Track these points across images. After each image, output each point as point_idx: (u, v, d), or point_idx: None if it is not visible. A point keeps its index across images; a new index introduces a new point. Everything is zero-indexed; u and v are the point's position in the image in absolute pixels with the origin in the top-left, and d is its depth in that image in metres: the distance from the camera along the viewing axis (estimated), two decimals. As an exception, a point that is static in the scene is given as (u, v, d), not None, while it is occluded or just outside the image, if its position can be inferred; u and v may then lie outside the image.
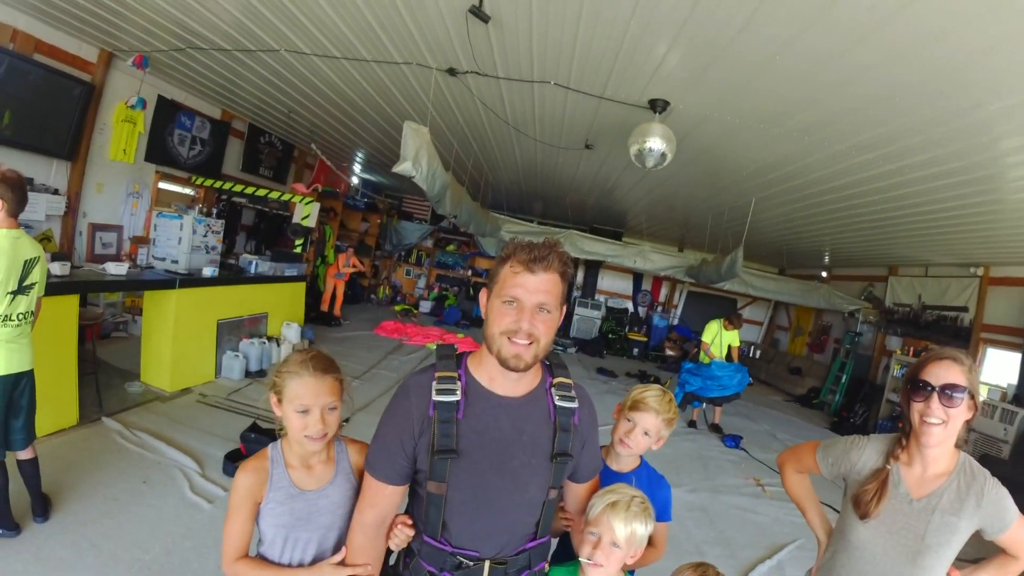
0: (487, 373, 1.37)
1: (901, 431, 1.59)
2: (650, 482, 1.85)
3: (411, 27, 4.00)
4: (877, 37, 2.86)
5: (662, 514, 1.83)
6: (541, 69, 4.31)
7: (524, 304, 1.27)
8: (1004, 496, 1.48)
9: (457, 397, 1.32)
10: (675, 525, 4.26)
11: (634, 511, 1.48)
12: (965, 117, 3.53)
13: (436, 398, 1.31)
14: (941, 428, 1.45)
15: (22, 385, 2.81)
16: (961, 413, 1.46)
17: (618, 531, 1.45)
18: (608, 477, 1.70)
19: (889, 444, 1.61)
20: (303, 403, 1.45)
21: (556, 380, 1.44)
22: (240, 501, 1.46)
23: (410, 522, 1.41)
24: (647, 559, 1.85)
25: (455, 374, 1.36)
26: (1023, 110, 3.30)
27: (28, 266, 2.76)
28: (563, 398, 1.41)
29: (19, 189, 2.68)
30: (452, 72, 4.67)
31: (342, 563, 1.44)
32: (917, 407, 1.49)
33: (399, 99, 5.76)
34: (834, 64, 3.25)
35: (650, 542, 1.86)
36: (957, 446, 1.54)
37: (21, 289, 2.74)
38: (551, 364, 1.48)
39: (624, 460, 1.87)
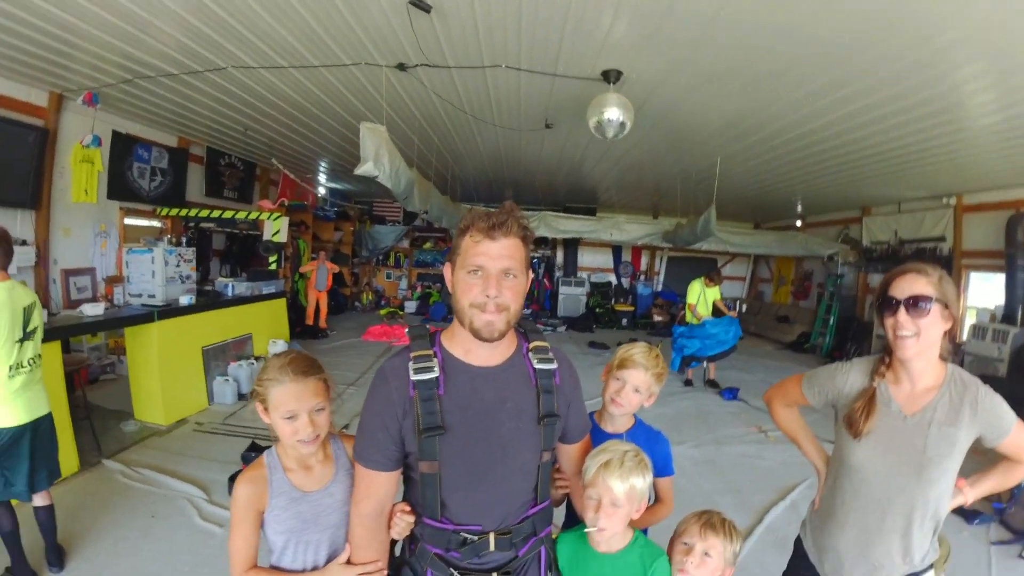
0: (462, 346, 1.37)
1: (884, 350, 1.60)
2: (647, 439, 1.85)
3: (355, 26, 3.96)
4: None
5: (664, 469, 1.85)
6: (491, 53, 4.28)
7: (489, 271, 1.27)
8: (999, 402, 1.49)
9: (436, 373, 1.31)
10: (685, 480, 4.36)
11: (628, 466, 1.47)
12: (918, 49, 3.54)
13: (414, 377, 1.30)
14: (914, 340, 1.46)
15: (43, 428, 2.86)
16: (934, 323, 1.46)
17: (616, 489, 1.45)
18: (604, 439, 1.69)
19: (873, 364, 1.63)
20: (288, 409, 1.42)
21: (532, 344, 1.44)
22: (242, 512, 1.44)
23: (408, 508, 1.40)
24: (657, 515, 1.87)
25: (430, 352, 1.35)
26: (978, 36, 3.31)
27: (27, 312, 2.83)
28: (541, 360, 1.42)
29: (6, 242, 2.79)
30: (402, 67, 4.63)
31: (349, 561, 1.43)
32: (888, 322, 1.51)
33: (353, 101, 5.70)
34: (782, 8, 3.24)
35: (658, 498, 1.89)
36: (943, 358, 1.54)
37: (26, 335, 2.80)
38: (525, 330, 1.48)
39: (618, 420, 1.87)
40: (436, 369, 1.32)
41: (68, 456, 3.96)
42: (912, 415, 1.51)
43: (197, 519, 3.45)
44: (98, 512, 3.49)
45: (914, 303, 1.45)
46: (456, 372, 1.35)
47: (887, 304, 1.51)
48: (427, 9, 3.52)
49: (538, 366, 1.41)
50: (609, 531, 1.48)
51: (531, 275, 1.39)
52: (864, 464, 1.57)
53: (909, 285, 1.48)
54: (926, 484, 1.49)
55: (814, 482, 4.27)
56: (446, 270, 1.39)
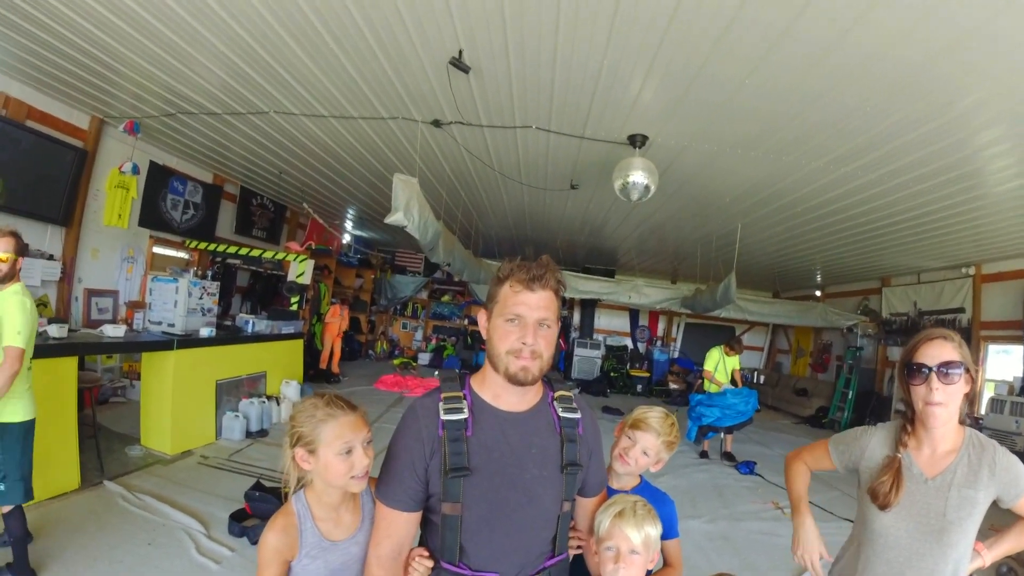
0: (491, 391, 1.41)
1: (904, 417, 1.60)
2: (652, 499, 1.82)
3: (395, 82, 4.17)
4: (845, 47, 2.98)
5: (670, 530, 1.80)
6: (523, 114, 4.47)
7: (527, 321, 1.33)
8: (1015, 462, 1.49)
9: (465, 415, 1.35)
10: (699, 555, 4.19)
11: (640, 514, 1.49)
12: (940, 115, 3.62)
13: (444, 417, 1.34)
14: (942, 409, 1.46)
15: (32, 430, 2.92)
16: (960, 389, 1.47)
17: (633, 538, 1.45)
18: (609, 495, 1.68)
19: (896, 432, 1.62)
20: (346, 442, 1.40)
21: (557, 394, 1.48)
22: (269, 559, 1.41)
23: (427, 553, 1.39)
24: None
25: (461, 394, 1.39)
26: (996, 101, 3.38)
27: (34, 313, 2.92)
28: (566, 409, 1.45)
29: (23, 243, 2.93)
30: (437, 124, 4.83)
31: None
32: (918, 391, 1.50)
33: (387, 153, 5.92)
34: (805, 78, 3.37)
35: (667, 562, 1.85)
36: (961, 422, 1.55)
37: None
38: (550, 380, 1.51)
39: (623, 479, 1.85)
40: (465, 411, 1.36)
41: (70, 472, 3.99)
42: (933, 478, 1.51)
43: (194, 552, 3.37)
44: (94, 532, 3.44)
45: (945, 371, 1.45)
46: (484, 415, 1.38)
47: (915, 372, 1.50)
48: (466, 70, 3.70)
49: (563, 414, 1.44)
50: None
51: (560, 325, 1.45)
52: (887, 529, 1.55)
53: (938, 351, 1.48)
54: (947, 547, 1.47)
55: (829, 563, 4.13)
56: (481, 316, 1.45)
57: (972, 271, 8.08)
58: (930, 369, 1.47)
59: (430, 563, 1.38)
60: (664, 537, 1.74)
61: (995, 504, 1.53)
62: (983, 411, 7.00)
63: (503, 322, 1.35)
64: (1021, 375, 6.93)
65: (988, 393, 7.35)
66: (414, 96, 4.38)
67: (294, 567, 1.43)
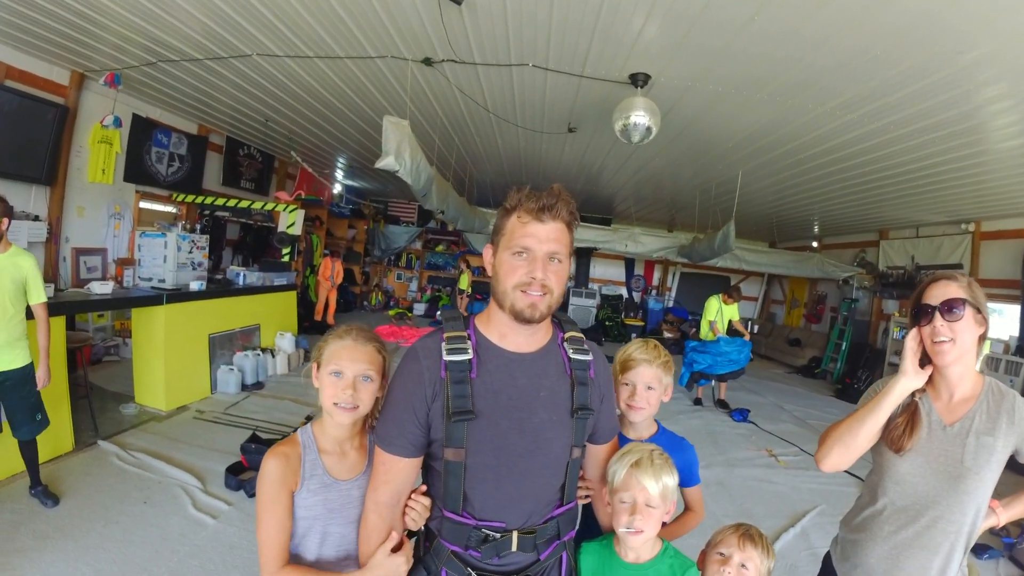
0: (498, 330, 1.31)
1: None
2: (671, 446, 1.75)
3: (383, 18, 3.92)
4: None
5: (691, 478, 1.77)
6: (518, 51, 4.23)
7: (536, 254, 1.23)
8: None
9: (469, 356, 1.26)
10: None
11: (658, 464, 1.42)
12: (947, 66, 3.50)
13: (447, 358, 1.25)
14: (951, 345, 1.45)
15: None
16: (968, 327, 1.46)
17: (651, 488, 1.39)
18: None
19: None
20: (338, 365, 1.37)
21: (568, 334, 1.39)
22: (274, 490, 1.32)
23: (424, 489, 1.34)
24: (688, 523, 1.82)
25: (464, 334, 1.29)
26: (1002, 56, 3.28)
27: None
28: (577, 351, 1.36)
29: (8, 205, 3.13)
30: (428, 62, 4.58)
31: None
32: (924, 331, 1.49)
33: (376, 95, 5.66)
34: (813, 19, 3.20)
35: (687, 507, 1.83)
36: (980, 371, 1.54)
37: None
38: (560, 320, 1.42)
39: (640, 427, 1.77)
40: (470, 351, 1.27)
41: (63, 434, 3.94)
42: (951, 425, 1.50)
43: (191, 508, 3.37)
44: (90, 493, 3.42)
45: (948, 308, 1.45)
46: (490, 356, 1.29)
47: (922, 312, 1.50)
48: (458, 2, 3.47)
49: (574, 356, 1.35)
50: (645, 534, 1.41)
51: (572, 261, 1.35)
52: (905, 477, 1.53)
53: (942, 291, 1.48)
54: (963, 495, 1.45)
55: (825, 509, 4.24)
56: (486, 251, 1.35)
57: (972, 228, 8.00)
58: (935, 308, 1.47)
59: (427, 501, 1.33)
60: (686, 484, 1.75)
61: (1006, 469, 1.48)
62: (977, 368, 7.03)
63: (510, 255, 1.25)
64: (1018, 334, 6.93)
65: (984, 351, 7.38)
66: (403, 32, 4.12)
67: (295, 499, 1.36)
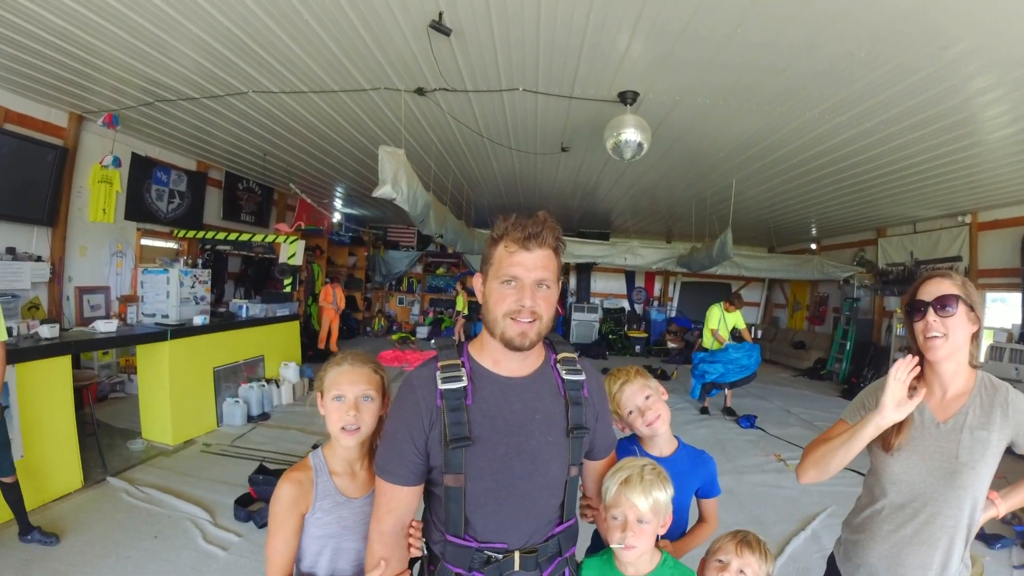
0: (491, 357, 1.34)
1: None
2: (693, 460, 1.79)
3: (375, 51, 4.01)
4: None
5: (712, 489, 1.80)
6: (508, 76, 4.32)
7: (524, 282, 1.26)
8: None
9: (464, 383, 1.28)
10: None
11: (648, 479, 1.43)
12: (932, 63, 3.56)
13: (442, 386, 1.27)
14: (943, 340, 1.46)
15: None
16: (961, 324, 1.47)
17: (640, 505, 1.40)
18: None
19: None
20: (339, 390, 1.46)
21: (560, 356, 1.41)
22: (284, 513, 1.40)
23: (416, 524, 1.38)
24: (702, 535, 1.82)
25: (458, 361, 1.32)
26: (987, 48, 3.32)
27: None
28: (570, 371, 1.38)
29: None
30: (420, 92, 4.68)
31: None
32: (918, 326, 1.51)
33: (371, 126, 5.76)
34: (795, 26, 3.26)
35: (702, 518, 1.84)
36: (972, 366, 1.54)
37: None
38: (552, 342, 1.45)
39: (661, 443, 1.79)
40: (464, 379, 1.29)
41: (72, 472, 3.96)
42: (945, 422, 1.51)
43: (201, 541, 3.37)
44: (100, 530, 3.43)
45: (942, 304, 1.47)
46: (485, 382, 1.32)
47: (916, 308, 1.52)
48: (447, 32, 3.55)
49: (566, 377, 1.38)
50: (638, 549, 1.42)
51: (560, 285, 1.37)
52: (899, 475, 1.54)
53: (936, 287, 1.50)
54: (960, 490, 1.46)
55: (835, 511, 4.23)
56: (476, 280, 1.38)
57: (968, 219, 8.04)
58: (928, 304, 1.49)
59: (418, 532, 1.38)
60: (706, 495, 1.78)
61: (1007, 453, 1.50)
62: (982, 359, 7.03)
63: (499, 284, 1.27)
64: (1020, 322, 6.94)
65: (987, 341, 7.38)
66: (395, 64, 4.22)
67: (307, 520, 1.43)
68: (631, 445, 1.80)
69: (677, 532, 1.76)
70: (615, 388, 1.78)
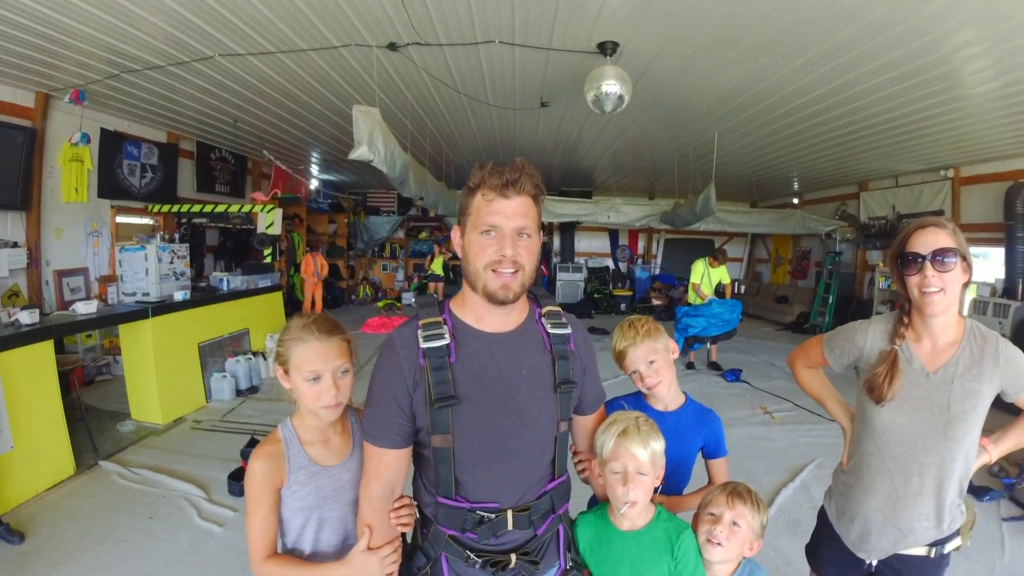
0: (473, 313, 1.29)
1: (901, 310, 1.56)
2: (700, 417, 1.77)
3: (343, 5, 3.83)
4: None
5: (718, 449, 1.77)
6: (483, 29, 4.16)
7: (504, 231, 1.20)
8: (1018, 354, 1.47)
9: (446, 340, 1.24)
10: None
11: (645, 430, 1.42)
12: (914, 14, 3.51)
13: (424, 345, 1.23)
14: (941, 295, 1.42)
15: None
16: (957, 276, 1.43)
17: (640, 455, 1.39)
18: (659, 418, 1.60)
19: (892, 324, 1.58)
20: (313, 369, 1.36)
21: (545, 309, 1.37)
22: (258, 490, 1.35)
23: (406, 501, 1.35)
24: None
25: (440, 319, 1.27)
26: (968, 3, 3.28)
27: None
28: (555, 325, 1.35)
29: None
30: (393, 47, 4.50)
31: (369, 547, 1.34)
32: (913, 280, 1.46)
33: (343, 85, 5.56)
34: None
35: (711, 479, 1.82)
36: (961, 314, 1.52)
37: None
38: (536, 295, 1.41)
39: (667, 399, 1.77)
40: (446, 336, 1.25)
41: (63, 458, 3.90)
42: (935, 372, 1.48)
43: (197, 519, 3.36)
44: (95, 515, 3.40)
45: (940, 258, 1.41)
46: (468, 339, 1.27)
47: (909, 261, 1.46)
48: (417, -18, 3.39)
49: (552, 331, 1.34)
50: (639, 504, 1.41)
51: (541, 235, 1.32)
52: (889, 426, 1.53)
53: (932, 239, 1.44)
54: (952, 442, 1.46)
55: (823, 462, 4.31)
56: (454, 233, 1.32)
57: (951, 174, 8.05)
58: (924, 257, 1.43)
59: (412, 509, 1.35)
60: (713, 455, 1.76)
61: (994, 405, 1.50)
62: (965, 312, 7.14)
63: (478, 235, 1.22)
64: (1003, 276, 7.02)
65: (970, 295, 7.48)
66: (365, 19, 4.03)
67: (284, 495, 1.38)
68: (637, 401, 1.79)
69: (679, 488, 1.76)
70: (619, 342, 1.74)
